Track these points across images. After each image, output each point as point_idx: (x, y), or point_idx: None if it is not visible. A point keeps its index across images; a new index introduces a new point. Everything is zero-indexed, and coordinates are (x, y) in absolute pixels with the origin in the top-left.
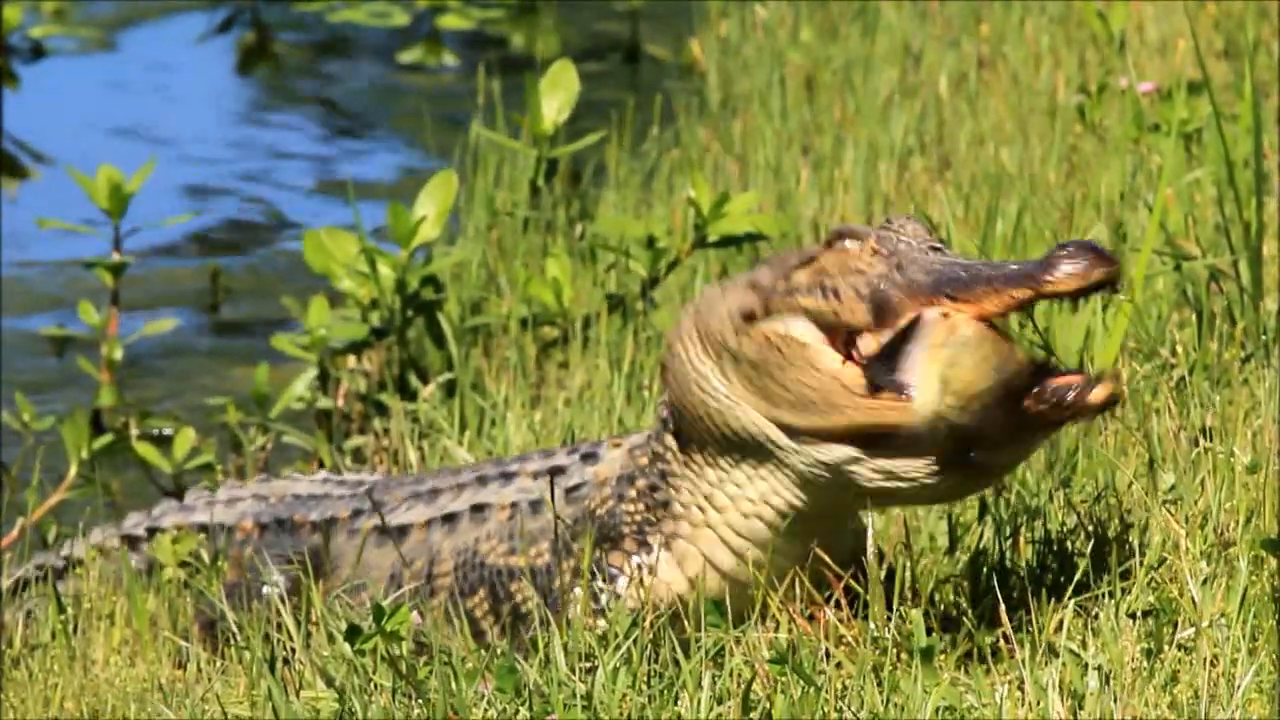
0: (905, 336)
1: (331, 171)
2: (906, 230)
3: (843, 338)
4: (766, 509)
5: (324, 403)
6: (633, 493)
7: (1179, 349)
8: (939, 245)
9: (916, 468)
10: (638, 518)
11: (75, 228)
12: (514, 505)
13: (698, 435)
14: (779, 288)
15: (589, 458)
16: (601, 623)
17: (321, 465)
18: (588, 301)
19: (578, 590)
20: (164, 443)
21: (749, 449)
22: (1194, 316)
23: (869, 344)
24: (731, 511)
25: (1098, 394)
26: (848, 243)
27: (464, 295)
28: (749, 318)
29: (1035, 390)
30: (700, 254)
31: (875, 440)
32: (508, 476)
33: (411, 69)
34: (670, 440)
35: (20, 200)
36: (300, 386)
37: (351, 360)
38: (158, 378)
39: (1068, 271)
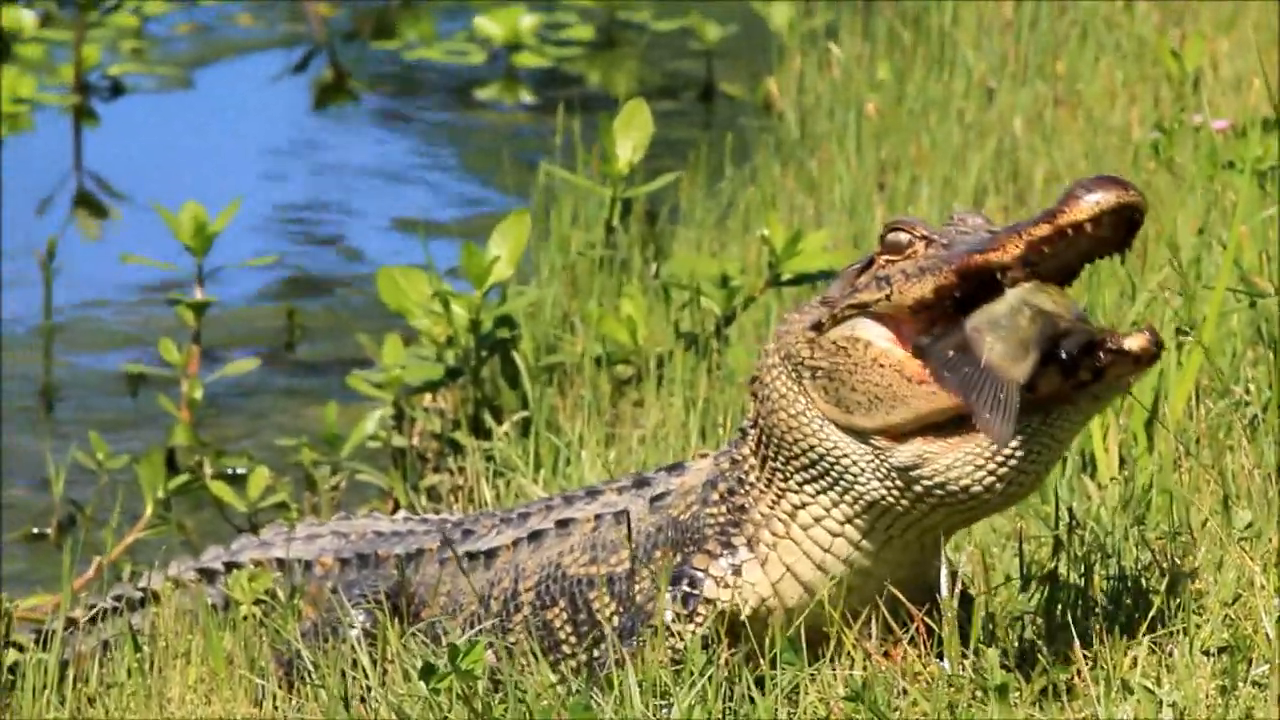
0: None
1: (407, 210)
2: (968, 223)
3: (911, 334)
4: (850, 530)
5: (399, 441)
6: (715, 496)
7: (1253, 387)
8: (996, 228)
9: (979, 451)
10: (721, 519)
11: (160, 264)
12: (598, 517)
13: (783, 459)
14: (844, 294)
15: (675, 469)
16: (688, 627)
17: (397, 505)
18: (662, 340)
19: (665, 596)
20: (238, 482)
21: (829, 471)
22: (1268, 354)
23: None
24: (815, 529)
25: (1133, 343)
26: (898, 233)
27: (539, 334)
28: (818, 328)
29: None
30: (774, 292)
31: (941, 429)
32: (593, 494)
33: (487, 107)
34: (749, 449)
35: (97, 239)
36: (371, 425)
37: (427, 399)
38: (233, 417)
39: (1084, 200)
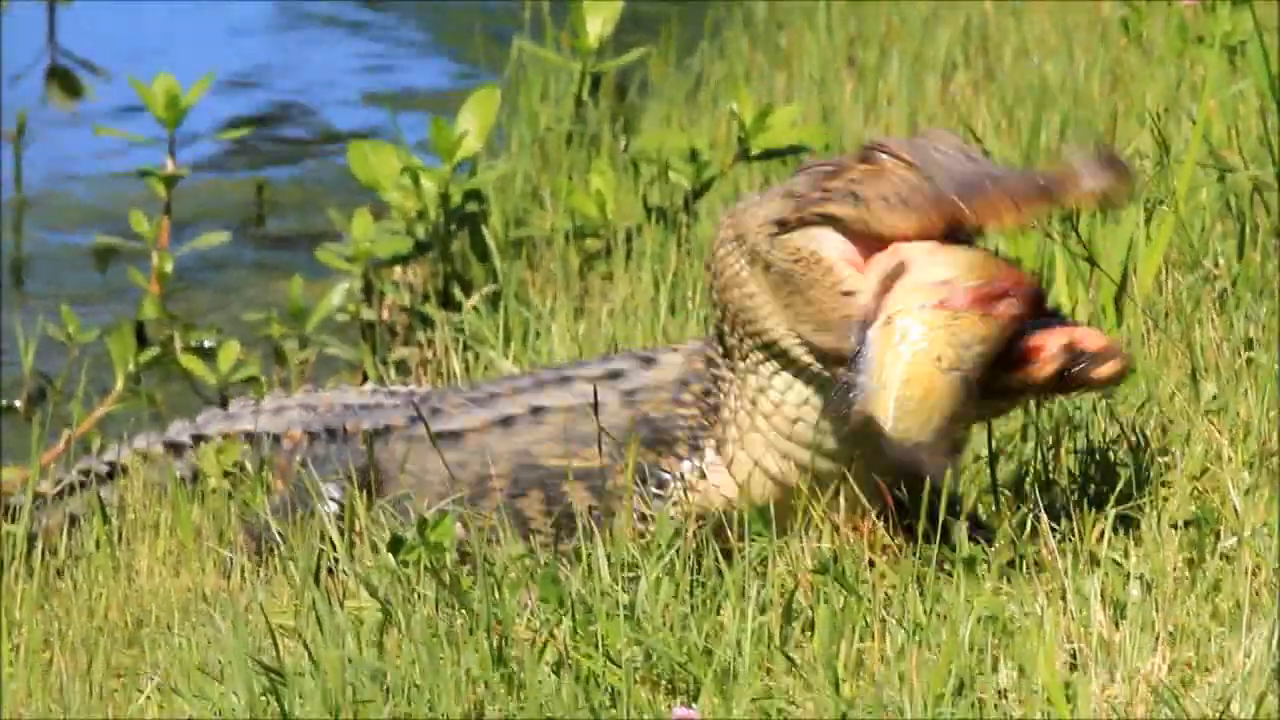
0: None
1: (380, 85)
2: (943, 143)
3: (874, 249)
4: (809, 412)
5: (368, 315)
6: (688, 396)
7: (1222, 260)
8: (975, 155)
9: None
10: (691, 422)
11: (132, 136)
12: (571, 409)
13: (738, 337)
14: (812, 196)
15: (647, 361)
16: (653, 527)
17: (366, 377)
18: (631, 214)
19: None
20: (209, 356)
21: (782, 357)
22: (1237, 228)
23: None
24: (776, 417)
25: (1103, 370)
26: (881, 155)
27: (508, 208)
28: (781, 224)
29: (1033, 361)
30: (744, 166)
31: None
32: (565, 381)
33: None
34: (723, 349)
35: (65, 115)
36: (337, 298)
37: (396, 273)
38: (202, 291)
39: (1081, 185)
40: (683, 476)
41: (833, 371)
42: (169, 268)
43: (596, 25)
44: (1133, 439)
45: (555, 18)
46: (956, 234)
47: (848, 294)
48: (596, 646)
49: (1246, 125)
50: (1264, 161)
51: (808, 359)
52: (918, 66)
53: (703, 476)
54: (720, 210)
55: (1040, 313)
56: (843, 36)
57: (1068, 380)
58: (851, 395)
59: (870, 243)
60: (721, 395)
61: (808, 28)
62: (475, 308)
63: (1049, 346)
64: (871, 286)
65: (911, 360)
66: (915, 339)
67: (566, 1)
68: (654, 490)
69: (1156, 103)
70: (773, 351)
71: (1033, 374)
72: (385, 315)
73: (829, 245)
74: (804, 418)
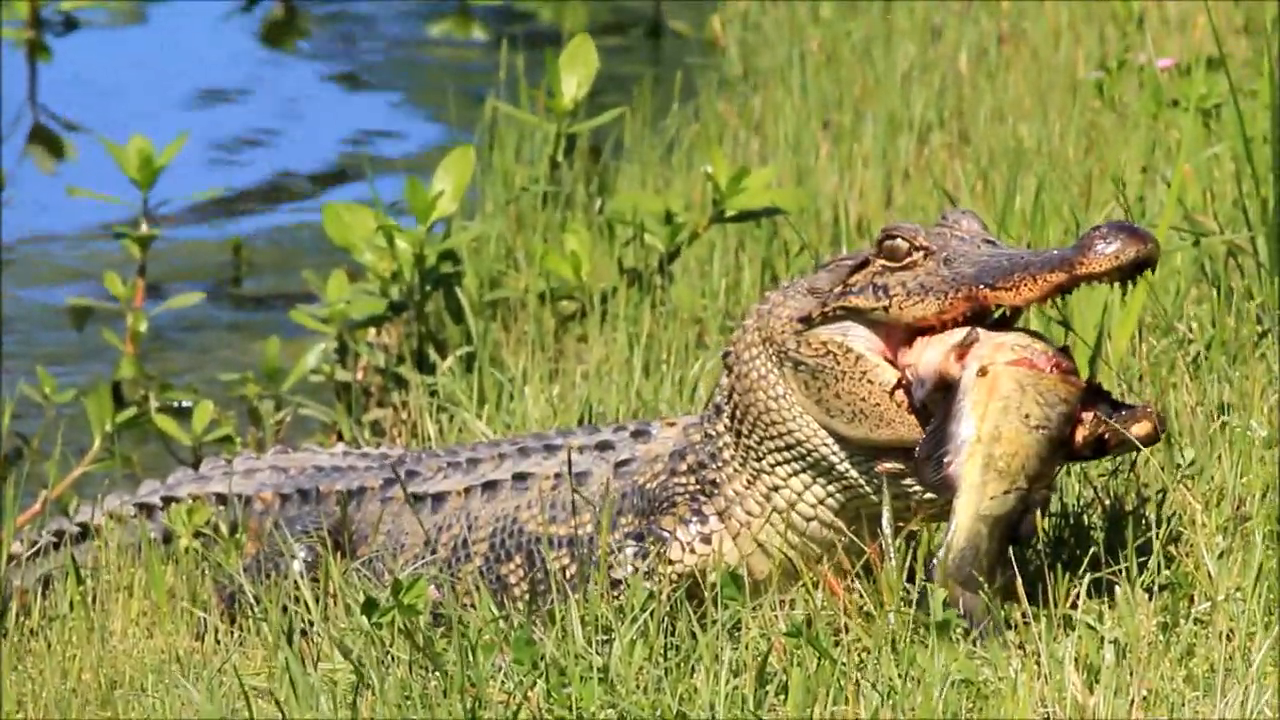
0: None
1: (356, 145)
2: (961, 225)
3: (899, 339)
4: (825, 511)
5: (343, 376)
6: (684, 467)
7: (1196, 325)
8: (993, 240)
9: None
10: (691, 488)
11: (105, 197)
12: (557, 476)
13: (756, 439)
14: (835, 290)
15: (639, 435)
16: (645, 584)
17: (340, 438)
18: (606, 276)
19: (627, 550)
20: (184, 416)
21: (805, 459)
22: (1212, 292)
23: (918, 355)
24: (790, 513)
25: (1138, 429)
26: (897, 241)
27: (482, 270)
28: (806, 321)
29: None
30: (718, 229)
31: None
32: (550, 449)
33: (439, 43)
34: (723, 427)
35: (51, 173)
36: (312, 359)
37: (371, 334)
38: (179, 351)
39: (1102, 253)
40: (685, 537)
41: (866, 466)
42: (143, 328)
43: (572, 86)
44: (1107, 503)
45: (529, 76)
46: (980, 317)
47: (880, 380)
48: (570, 709)
49: (1221, 189)
50: (1239, 225)
51: (835, 457)
52: (892, 128)
53: (706, 541)
54: (695, 272)
55: None
56: (817, 98)
57: (1106, 444)
58: (942, 450)
59: (896, 333)
60: (724, 476)
61: (782, 90)
62: (449, 369)
63: (1084, 414)
64: (937, 351)
65: (1002, 414)
66: (1005, 392)
67: (540, 61)
68: (650, 547)
69: (1131, 166)
70: (796, 453)
71: (1072, 440)
72: (360, 376)
73: (857, 338)
74: (819, 516)
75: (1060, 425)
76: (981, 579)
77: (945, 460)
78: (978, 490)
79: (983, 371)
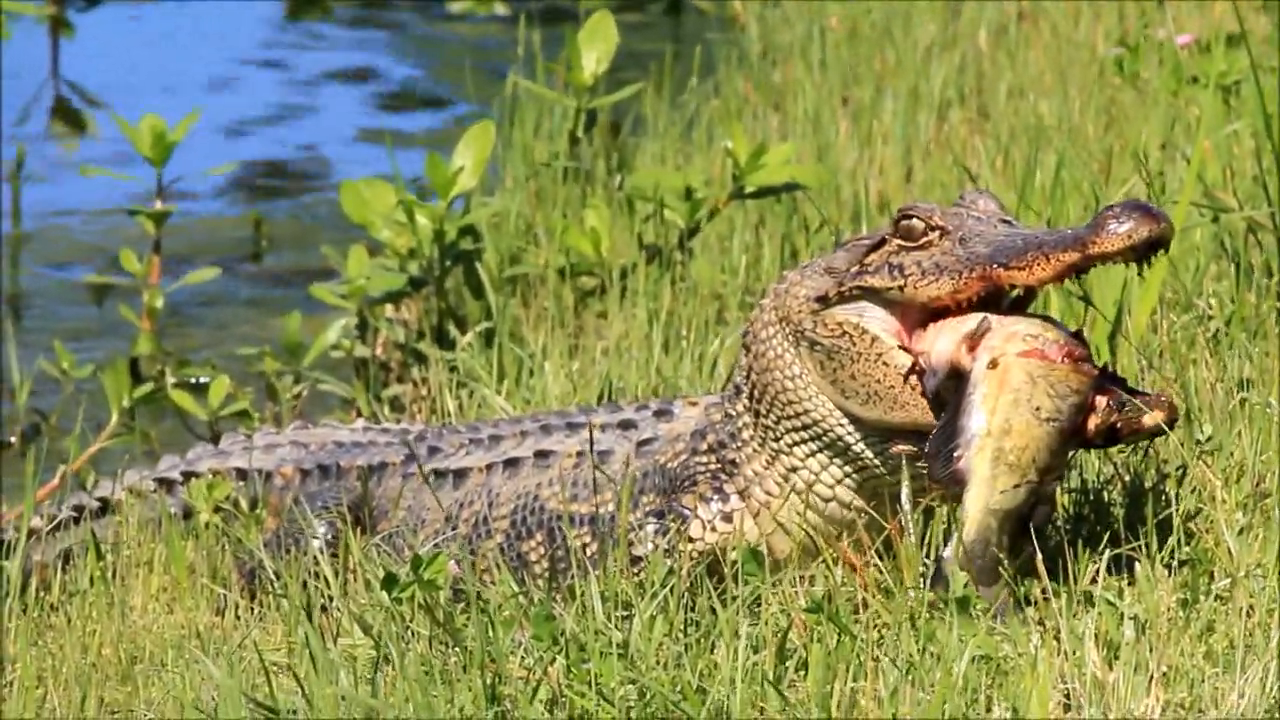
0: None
1: (376, 121)
2: (978, 205)
3: (915, 320)
4: (843, 491)
5: (362, 351)
6: (704, 446)
7: (1216, 301)
8: (1011, 219)
9: None
10: (712, 467)
11: (118, 175)
12: (580, 454)
13: (774, 419)
14: (851, 270)
15: (662, 414)
16: (665, 561)
17: (359, 414)
18: (626, 252)
19: (648, 528)
20: (201, 391)
21: (821, 438)
22: (1231, 268)
23: (930, 343)
24: (808, 494)
25: (1150, 419)
26: (913, 221)
27: (502, 245)
28: (823, 300)
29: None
30: (738, 205)
31: None
32: (573, 426)
33: (460, 19)
34: (743, 406)
35: (62, 149)
36: (333, 335)
37: (390, 309)
38: (198, 327)
39: (1115, 232)
40: (706, 515)
41: (881, 447)
42: (159, 304)
43: (592, 62)
44: (1127, 479)
45: (548, 52)
46: (996, 297)
47: (895, 364)
48: (590, 685)
49: (1241, 165)
50: (1259, 202)
51: (850, 437)
52: (912, 105)
53: (727, 520)
54: (715, 248)
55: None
56: (837, 74)
57: (1118, 432)
58: (952, 444)
59: (911, 313)
60: (743, 456)
61: (802, 66)
62: (469, 345)
63: (1097, 401)
64: (949, 340)
65: (1012, 407)
66: (1016, 384)
67: (559, 38)
68: (671, 524)
69: (1151, 142)
70: (812, 433)
71: (1084, 428)
72: (379, 352)
73: (872, 319)
74: (838, 496)
75: (1071, 416)
76: (993, 571)
77: (955, 455)
78: (988, 484)
79: (993, 364)
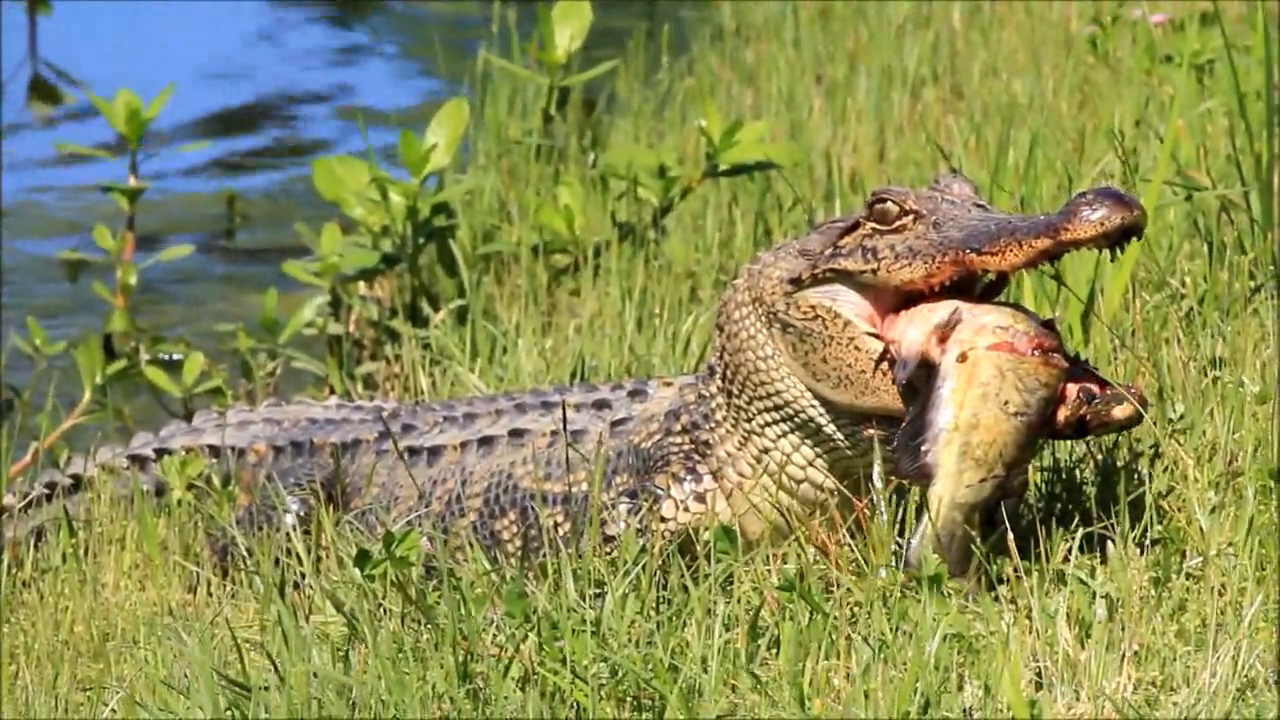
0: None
1: (349, 98)
2: (953, 189)
3: (889, 304)
4: (815, 473)
5: (335, 329)
6: (678, 427)
7: (1189, 279)
8: (985, 204)
9: None
10: (685, 447)
11: (91, 151)
12: (554, 433)
13: (746, 399)
14: (825, 253)
15: (636, 394)
16: (638, 540)
17: (333, 391)
18: (599, 229)
19: (620, 507)
20: (175, 368)
21: (793, 420)
22: (1204, 247)
23: (901, 331)
24: (780, 475)
25: (1120, 411)
26: (887, 204)
27: (475, 223)
28: (796, 282)
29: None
30: (712, 183)
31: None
32: (547, 406)
33: None
34: (716, 388)
35: (38, 124)
36: (309, 312)
37: (363, 287)
38: (172, 304)
39: (1088, 219)
40: (679, 495)
41: (852, 430)
42: (133, 280)
43: (565, 39)
44: (1099, 458)
45: (522, 30)
46: (969, 282)
47: (867, 349)
48: (562, 662)
49: (1215, 144)
50: (1232, 180)
51: (821, 419)
52: (886, 83)
53: (700, 500)
54: (689, 226)
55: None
56: (811, 52)
57: (1088, 424)
58: (920, 438)
59: (885, 297)
60: (716, 437)
61: (776, 43)
62: (442, 322)
63: (1068, 392)
64: (920, 330)
65: (980, 401)
66: (985, 378)
67: (533, 15)
68: (643, 504)
69: (1125, 121)
70: (784, 414)
71: (1054, 419)
72: (353, 329)
73: (845, 303)
74: (810, 478)
75: (1040, 410)
76: (962, 562)
77: (923, 449)
78: (954, 479)
79: (963, 357)
